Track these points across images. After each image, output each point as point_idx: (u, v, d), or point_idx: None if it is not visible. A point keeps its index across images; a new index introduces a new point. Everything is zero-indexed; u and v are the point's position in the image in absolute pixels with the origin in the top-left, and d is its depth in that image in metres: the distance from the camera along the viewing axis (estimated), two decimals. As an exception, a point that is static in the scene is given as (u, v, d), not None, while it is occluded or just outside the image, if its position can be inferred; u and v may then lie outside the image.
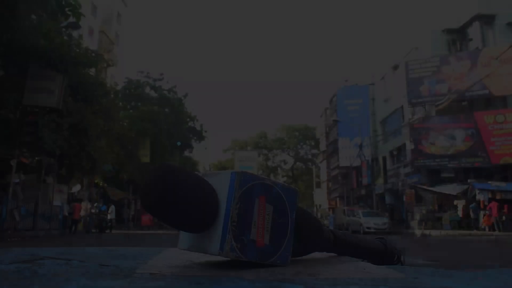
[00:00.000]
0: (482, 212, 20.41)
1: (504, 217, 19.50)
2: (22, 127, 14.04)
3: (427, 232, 20.36)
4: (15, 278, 0.60)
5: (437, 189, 23.79)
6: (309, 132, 64.90)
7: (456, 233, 19.24)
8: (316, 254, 1.00)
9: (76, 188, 24.40)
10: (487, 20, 25.84)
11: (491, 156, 23.65)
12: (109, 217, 22.99)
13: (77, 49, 17.22)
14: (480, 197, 20.23)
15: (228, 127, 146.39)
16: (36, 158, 17.25)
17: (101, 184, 26.76)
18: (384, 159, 34.81)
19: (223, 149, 66.93)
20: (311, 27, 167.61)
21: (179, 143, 36.10)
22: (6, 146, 14.42)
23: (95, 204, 22.79)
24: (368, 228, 23.30)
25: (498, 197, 20.29)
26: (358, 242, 0.97)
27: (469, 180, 22.72)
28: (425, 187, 24.94)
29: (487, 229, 19.65)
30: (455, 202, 22.54)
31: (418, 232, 21.14)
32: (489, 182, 21.46)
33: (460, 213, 22.17)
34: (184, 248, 0.83)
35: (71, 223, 20.36)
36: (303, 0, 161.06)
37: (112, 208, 23.66)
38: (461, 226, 22.28)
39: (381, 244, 1.02)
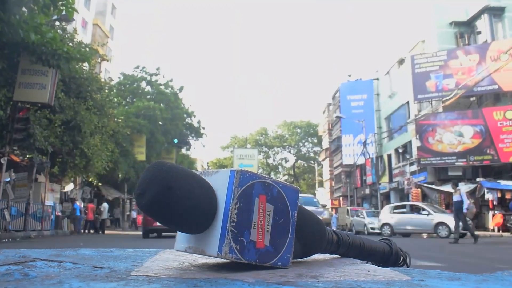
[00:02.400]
0: (491, 212, 20.42)
1: None
2: (13, 124, 14.04)
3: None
4: (5, 280, 0.60)
5: (444, 188, 23.79)
6: (311, 129, 64.92)
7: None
8: (319, 256, 1.00)
9: (69, 187, 24.42)
10: (496, 12, 25.82)
11: (500, 154, 23.66)
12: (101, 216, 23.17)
13: (70, 43, 17.22)
14: (489, 196, 20.23)
15: (227, 123, 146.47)
16: (27, 155, 17.26)
17: (95, 183, 26.79)
18: (389, 157, 34.84)
19: (222, 147, 66.92)
20: (314, 20, 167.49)
21: (176, 141, 36.10)
22: (-4, 143, 14.45)
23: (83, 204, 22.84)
24: (372, 228, 23.35)
25: (508, 196, 20.31)
26: (362, 244, 0.97)
27: (477, 179, 22.72)
28: (431, 186, 24.96)
29: (496, 230, 19.66)
30: (463, 201, 22.53)
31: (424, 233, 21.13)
32: (499, 181, 21.46)
33: (468, 213, 22.17)
34: (181, 250, 0.83)
35: (85, 224, 21.96)
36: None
37: (104, 206, 23.69)
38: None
39: (386, 245, 1.02)
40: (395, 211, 20.80)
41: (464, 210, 12.66)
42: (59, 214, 19.93)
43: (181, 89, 38.25)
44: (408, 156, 30.71)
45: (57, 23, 16.58)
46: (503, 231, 19.25)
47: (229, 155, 63.71)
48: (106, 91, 24.09)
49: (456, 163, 25.01)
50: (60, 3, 11.99)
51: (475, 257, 7.73)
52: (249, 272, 0.70)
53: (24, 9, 12.19)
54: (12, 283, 0.58)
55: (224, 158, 66.14)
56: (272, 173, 65.59)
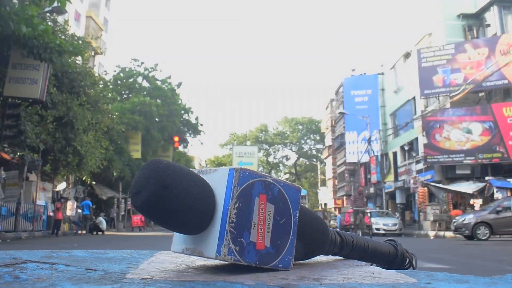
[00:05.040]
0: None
1: None
2: (3, 120, 14.04)
3: (441, 233, 20.40)
4: (-5, 283, 0.60)
5: (452, 187, 23.80)
6: (313, 126, 64.95)
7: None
8: (321, 258, 1.00)
9: (62, 186, 24.43)
10: (506, 4, 25.76)
11: (510, 151, 23.65)
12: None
13: (63, 36, 17.19)
14: (498, 195, 20.24)
15: (226, 120, 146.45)
16: (18, 153, 17.26)
17: (88, 182, 26.81)
18: (395, 154, 34.84)
19: (220, 144, 66.94)
20: (317, 13, 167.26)
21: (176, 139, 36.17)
22: (-15, 140, 14.45)
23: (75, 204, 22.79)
24: (377, 229, 23.39)
25: (518, 195, 20.31)
26: (366, 245, 0.97)
27: (486, 178, 22.72)
28: (439, 185, 24.97)
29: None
30: (472, 201, 22.55)
31: (431, 233, 21.18)
32: (508, 179, 21.45)
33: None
34: (178, 251, 0.83)
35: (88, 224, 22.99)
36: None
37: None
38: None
39: (392, 247, 1.02)
40: None
41: None
42: (51, 214, 19.90)
43: (179, 85, 38.26)
44: (414, 154, 30.69)
45: (47, 14, 16.55)
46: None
47: (228, 153, 63.75)
48: (101, 86, 24.08)
49: (464, 161, 24.99)
50: (52, -6, 11.97)
51: (484, 259, 7.74)
52: (249, 275, 0.70)
53: (14, 0, 12.17)
54: (3, 285, 0.58)
55: (223, 156, 66.17)
56: (273, 171, 65.64)
